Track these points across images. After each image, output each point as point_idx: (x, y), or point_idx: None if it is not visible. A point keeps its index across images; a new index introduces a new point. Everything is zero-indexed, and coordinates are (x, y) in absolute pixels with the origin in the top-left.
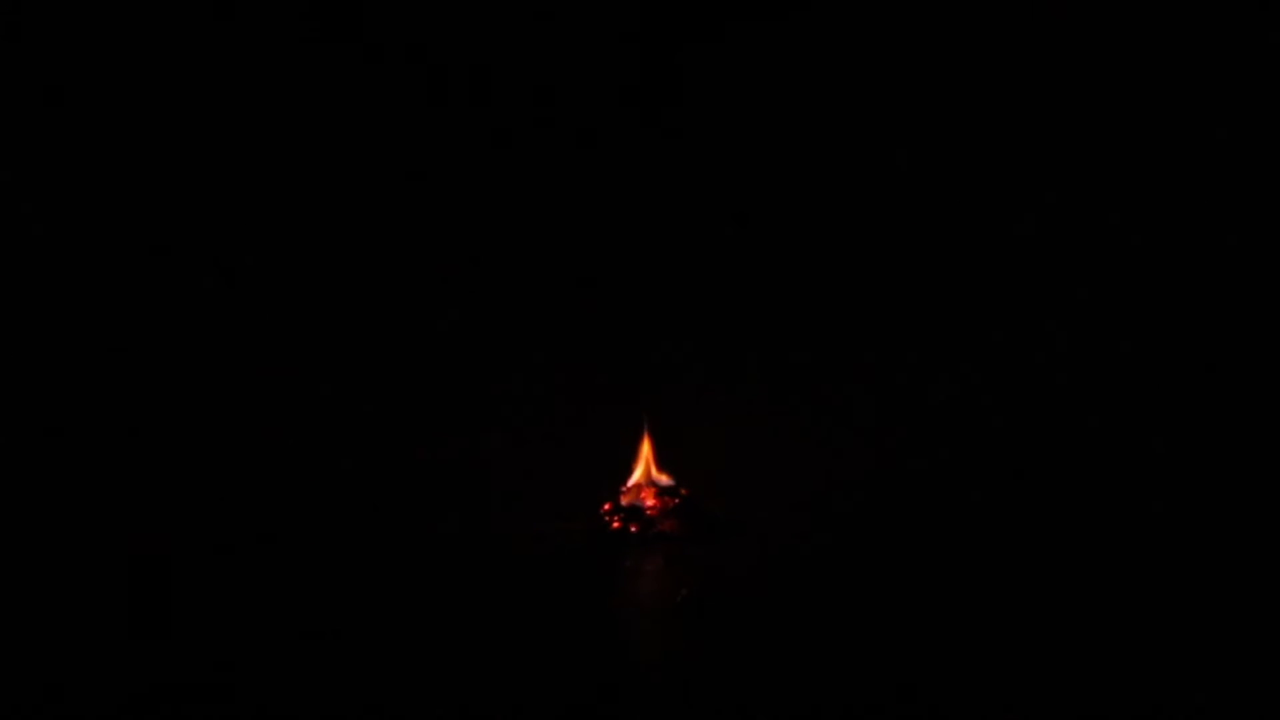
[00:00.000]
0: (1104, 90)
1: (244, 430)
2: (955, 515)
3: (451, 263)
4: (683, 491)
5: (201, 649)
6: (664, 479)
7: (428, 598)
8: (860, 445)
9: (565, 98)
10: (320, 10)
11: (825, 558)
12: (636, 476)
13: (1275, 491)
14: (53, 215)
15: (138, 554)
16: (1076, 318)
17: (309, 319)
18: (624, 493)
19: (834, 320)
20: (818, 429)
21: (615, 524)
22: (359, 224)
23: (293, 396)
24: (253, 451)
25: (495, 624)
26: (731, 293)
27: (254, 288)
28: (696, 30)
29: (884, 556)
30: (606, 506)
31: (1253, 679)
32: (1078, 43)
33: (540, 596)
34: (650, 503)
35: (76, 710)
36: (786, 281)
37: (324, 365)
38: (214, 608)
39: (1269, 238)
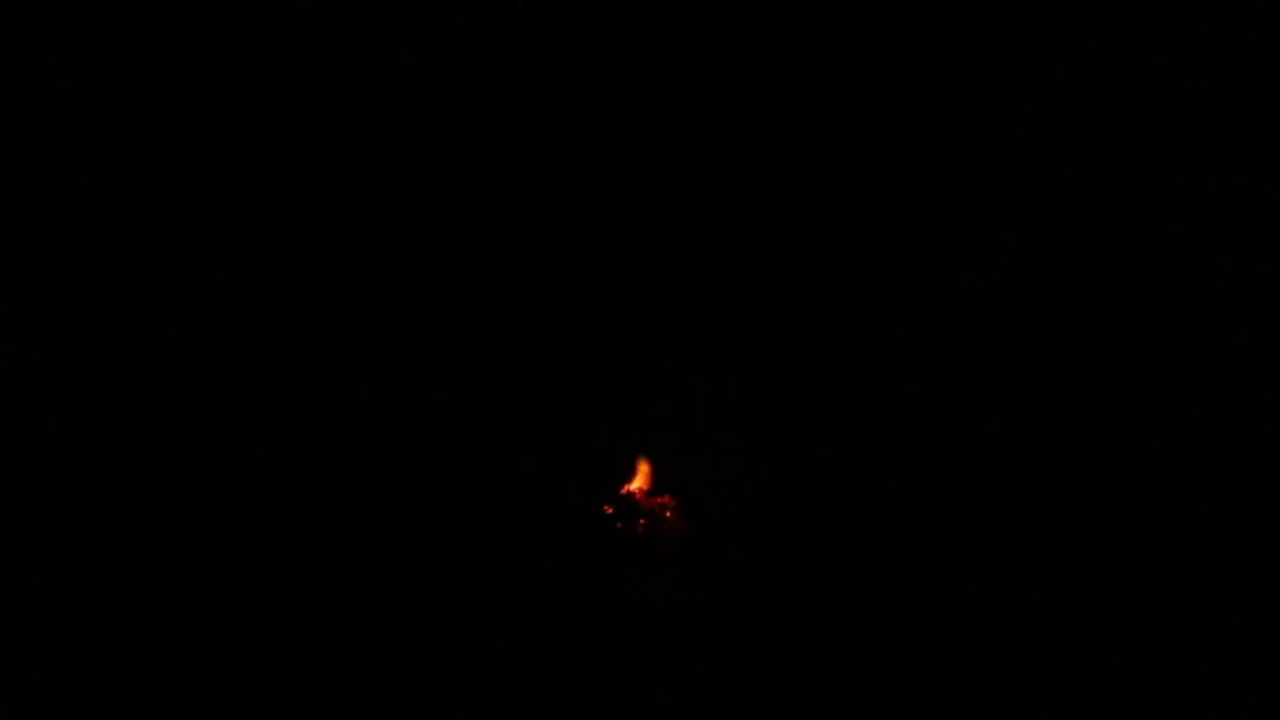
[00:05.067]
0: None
1: (242, 431)
2: (946, 514)
3: (452, 265)
4: (679, 494)
5: (207, 650)
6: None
7: (431, 599)
8: (856, 446)
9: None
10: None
11: (822, 557)
12: (637, 481)
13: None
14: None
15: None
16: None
17: (305, 319)
18: (625, 493)
19: (827, 323)
20: (813, 429)
21: (619, 524)
22: (359, 224)
23: (288, 398)
24: (250, 452)
25: (499, 624)
26: (727, 295)
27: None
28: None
29: (881, 556)
30: (608, 509)
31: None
32: None
33: (544, 596)
34: (648, 505)
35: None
36: (780, 283)
37: (322, 366)
38: (215, 609)
39: None
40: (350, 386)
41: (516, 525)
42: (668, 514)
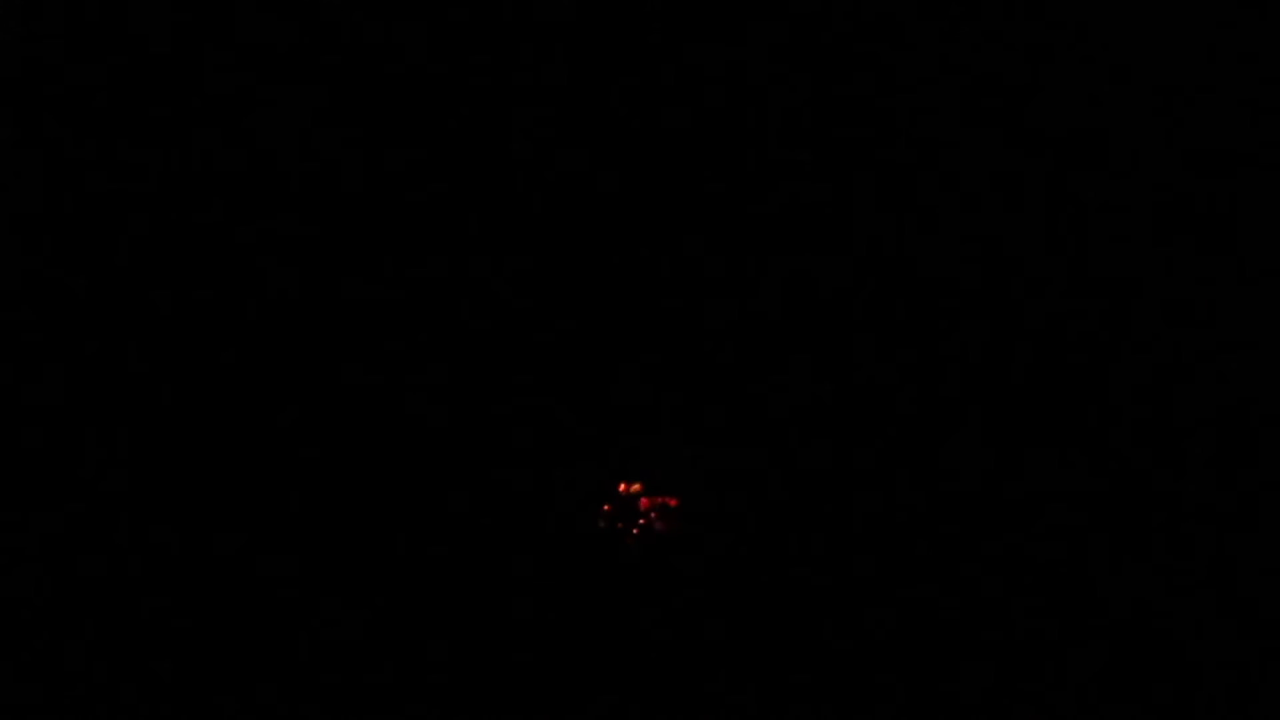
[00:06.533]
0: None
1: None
2: (948, 515)
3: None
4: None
5: (208, 649)
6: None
7: (429, 599)
8: (851, 446)
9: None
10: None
11: (824, 557)
12: (635, 483)
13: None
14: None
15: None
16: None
17: (305, 318)
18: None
19: (821, 323)
20: (807, 430)
21: (619, 524)
22: (359, 226)
23: (287, 397)
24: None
25: (497, 624)
26: (729, 294)
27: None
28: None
29: (883, 556)
30: (606, 508)
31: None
32: None
33: (540, 596)
34: (645, 504)
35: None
36: (783, 285)
37: (322, 367)
38: (216, 608)
39: None
40: (348, 385)
41: (515, 525)
42: (668, 514)
